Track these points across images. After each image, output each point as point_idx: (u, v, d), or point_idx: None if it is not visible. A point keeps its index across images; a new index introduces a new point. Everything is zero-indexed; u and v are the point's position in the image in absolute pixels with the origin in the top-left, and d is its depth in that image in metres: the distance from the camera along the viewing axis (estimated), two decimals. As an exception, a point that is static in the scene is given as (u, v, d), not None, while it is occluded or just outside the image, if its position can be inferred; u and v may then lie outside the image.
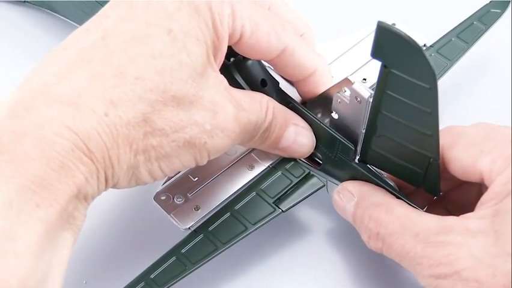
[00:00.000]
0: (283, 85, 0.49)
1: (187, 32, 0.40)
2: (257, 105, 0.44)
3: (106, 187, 0.39)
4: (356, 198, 0.45)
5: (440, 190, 0.45)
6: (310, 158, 0.49)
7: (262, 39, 0.44)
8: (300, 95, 0.49)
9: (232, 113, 0.42)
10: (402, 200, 0.44)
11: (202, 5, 0.41)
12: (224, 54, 0.43)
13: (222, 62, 0.43)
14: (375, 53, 0.39)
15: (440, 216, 0.41)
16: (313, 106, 0.48)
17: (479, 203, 0.41)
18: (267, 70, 0.48)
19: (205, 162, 0.43)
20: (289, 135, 0.46)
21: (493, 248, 0.39)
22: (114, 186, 0.40)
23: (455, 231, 0.40)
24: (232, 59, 0.49)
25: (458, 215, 0.42)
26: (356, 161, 0.47)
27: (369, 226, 0.44)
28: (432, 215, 0.42)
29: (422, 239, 0.41)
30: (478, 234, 0.40)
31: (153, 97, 0.39)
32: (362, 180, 0.46)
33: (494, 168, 0.41)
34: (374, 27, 0.38)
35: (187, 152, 0.41)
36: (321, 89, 0.47)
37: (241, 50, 0.45)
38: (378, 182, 0.46)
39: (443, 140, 0.43)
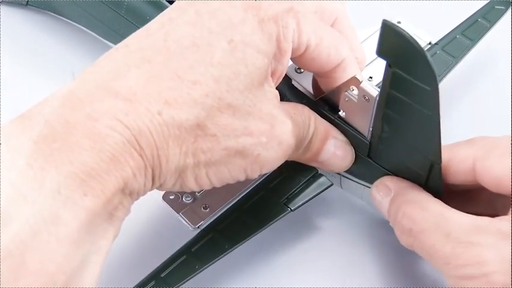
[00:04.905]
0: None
1: (248, 43, 0.40)
2: (302, 117, 0.45)
3: (153, 186, 0.39)
4: (392, 193, 0.45)
5: (443, 193, 0.45)
6: None
7: (324, 53, 0.44)
8: None
9: (290, 127, 0.43)
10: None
11: (267, 18, 0.41)
12: (285, 68, 0.43)
13: (282, 76, 0.43)
14: (380, 52, 0.39)
15: (474, 216, 0.41)
16: (321, 105, 0.48)
17: None
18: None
19: (255, 176, 0.43)
20: (329, 148, 0.46)
21: None
22: (160, 187, 0.40)
23: (487, 233, 0.40)
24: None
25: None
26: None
27: (402, 222, 0.43)
28: (466, 215, 0.41)
29: (452, 239, 0.41)
30: (510, 237, 0.39)
31: (208, 102, 0.39)
32: (375, 175, 0.47)
33: None
34: (379, 25, 0.38)
35: (237, 162, 0.41)
36: None
37: (300, 63, 0.45)
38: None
39: (475, 151, 0.43)
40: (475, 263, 0.39)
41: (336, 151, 0.46)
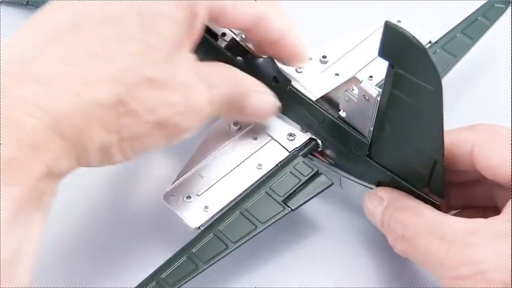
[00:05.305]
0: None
1: (158, 13, 0.40)
2: (224, 78, 0.45)
3: (78, 166, 0.39)
4: (385, 202, 0.45)
5: (446, 193, 0.45)
6: (323, 154, 0.49)
7: (241, 11, 0.44)
8: (279, 61, 0.49)
9: (205, 94, 0.42)
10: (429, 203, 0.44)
11: None
12: (199, 32, 0.43)
13: (198, 39, 0.43)
14: (382, 53, 0.39)
15: (468, 219, 0.41)
16: (321, 104, 0.48)
17: (507, 204, 0.41)
18: (278, 67, 0.48)
19: (177, 142, 0.43)
20: (254, 100, 0.46)
21: None
22: (87, 165, 0.40)
23: (482, 233, 0.40)
24: (239, 58, 0.49)
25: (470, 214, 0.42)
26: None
27: (395, 229, 0.44)
28: (460, 218, 0.42)
29: (447, 241, 0.41)
30: (506, 237, 0.39)
31: (126, 78, 0.39)
32: (375, 175, 0.47)
33: None
34: (379, 24, 0.38)
35: (160, 132, 0.41)
36: (296, 50, 0.48)
37: (222, 25, 0.46)
38: (393, 176, 0.46)
39: (475, 136, 0.43)
40: (470, 262, 0.40)
41: (260, 102, 0.47)
